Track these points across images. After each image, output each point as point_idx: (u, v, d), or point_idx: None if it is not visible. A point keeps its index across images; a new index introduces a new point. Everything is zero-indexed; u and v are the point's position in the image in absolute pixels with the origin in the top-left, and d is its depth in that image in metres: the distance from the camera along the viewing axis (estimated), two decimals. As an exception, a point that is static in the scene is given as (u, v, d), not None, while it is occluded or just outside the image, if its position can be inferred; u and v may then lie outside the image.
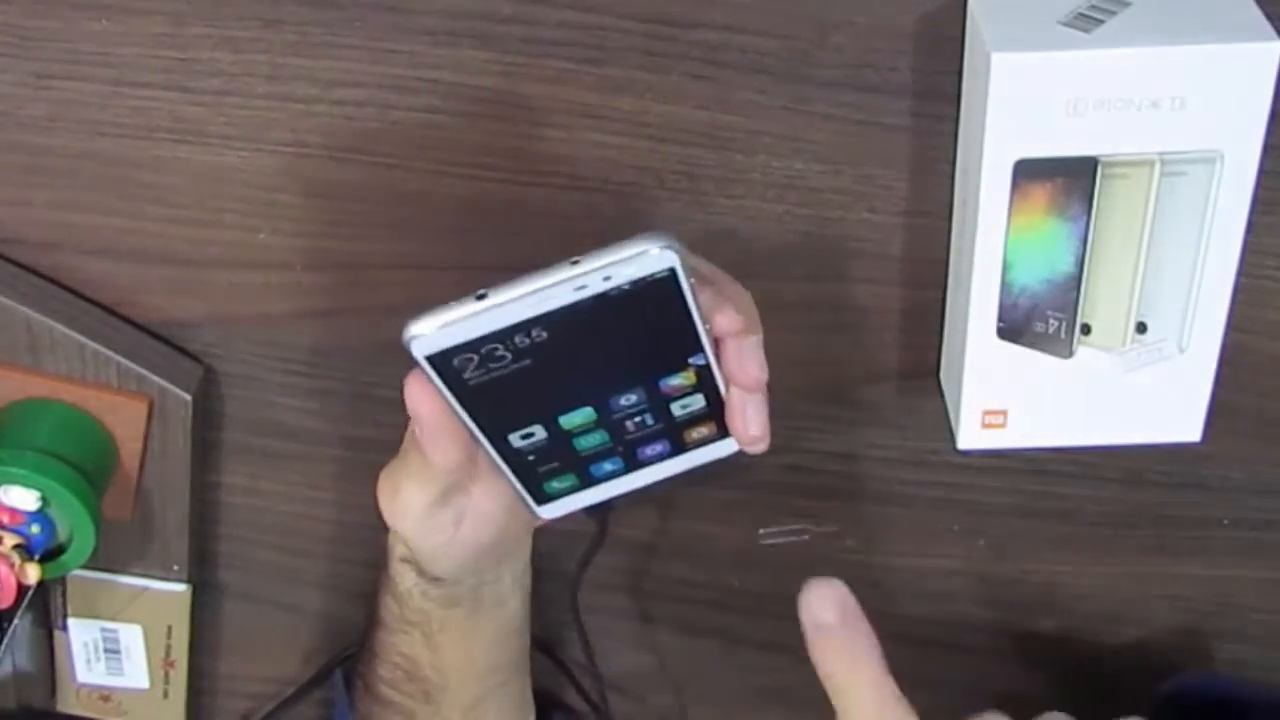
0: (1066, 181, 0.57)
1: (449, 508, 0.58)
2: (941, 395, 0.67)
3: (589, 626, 0.75)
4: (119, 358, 0.68)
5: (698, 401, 0.55)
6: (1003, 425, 0.63)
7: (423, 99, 0.63)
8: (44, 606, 0.78)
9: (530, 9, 0.61)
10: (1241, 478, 0.71)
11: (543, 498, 0.58)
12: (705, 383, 0.54)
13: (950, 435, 0.65)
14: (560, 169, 0.64)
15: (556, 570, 0.71)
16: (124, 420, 0.69)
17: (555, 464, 0.56)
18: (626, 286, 0.49)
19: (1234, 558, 0.74)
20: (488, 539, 0.60)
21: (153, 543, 0.74)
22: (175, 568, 0.75)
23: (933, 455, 0.71)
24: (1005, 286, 0.60)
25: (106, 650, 0.79)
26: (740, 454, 0.57)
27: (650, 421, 0.55)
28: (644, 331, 0.51)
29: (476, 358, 0.50)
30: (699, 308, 0.51)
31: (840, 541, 0.74)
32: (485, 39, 0.61)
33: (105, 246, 0.68)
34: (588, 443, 0.55)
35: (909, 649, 0.76)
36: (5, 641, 0.71)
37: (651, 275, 0.49)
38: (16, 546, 0.66)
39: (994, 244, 0.59)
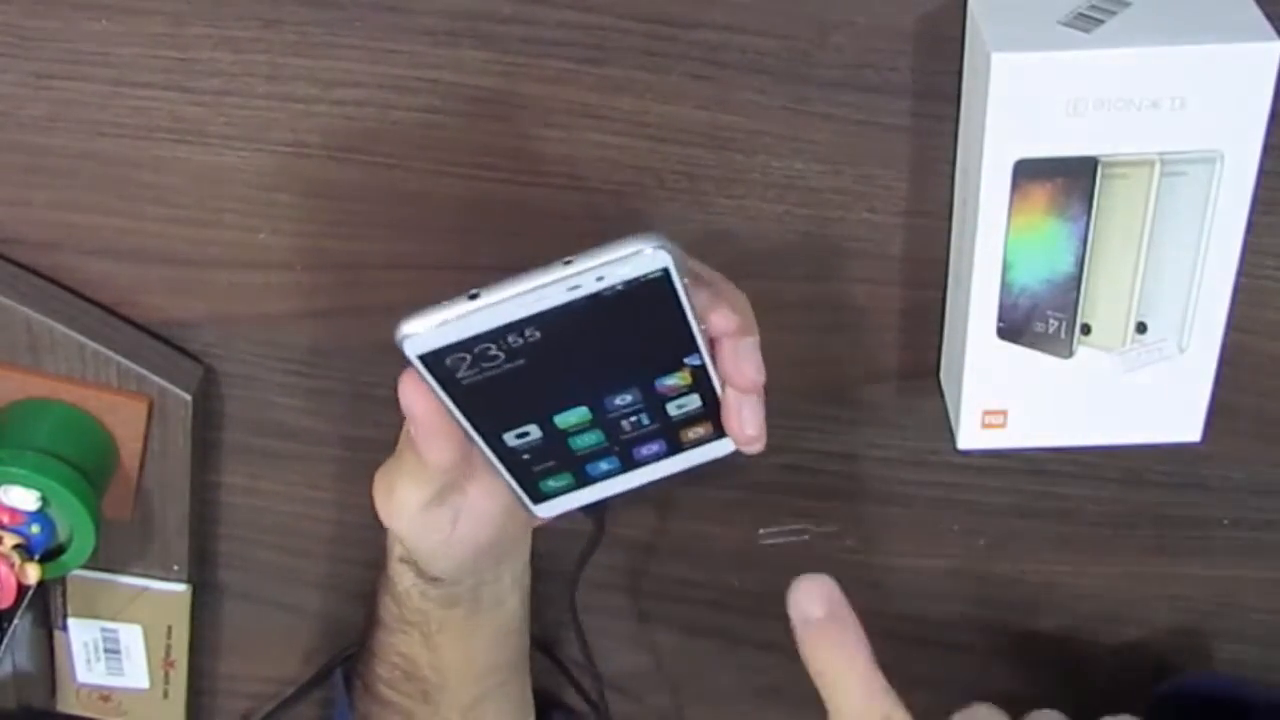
0: (1066, 181, 0.57)
1: (445, 507, 0.58)
2: (941, 395, 0.67)
3: (588, 626, 0.75)
4: (119, 358, 0.68)
5: (693, 401, 0.55)
6: (1003, 425, 0.63)
7: (423, 99, 0.63)
8: (44, 606, 0.78)
9: (530, 9, 0.61)
10: (1241, 478, 0.71)
11: (538, 496, 0.58)
12: (701, 383, 0.54)
13: (950, 435, 0.65)
14: (560, 169, 0.64)
15: (555, 570, 0.71)
16: (124, 420, 0.69)
17: (550, 463, 0.56)
18: (620, 287, 0.48)
19: (1234, 558, 0.73)
20: (485, 538, 0.60)
21: (153, 543, 0.74)
22: (175, 568, 0.75)
23: (933, 455, 0.71)
24: (1005, 286, 0.60)
25: (106, 650, 0.79)
26: (737, 454, 0.57)
27: (646, 421, 0.55)
28: (638, 331, 0.51)
29: (469, 357, 0.50)
30: (694, 308, 0.51)
31: (840, 541, 0.74)
32: (485, 39, 0.61)
33: (105, 246, 0.68)
34: (583, 442, 0.55)
35: (909, 649, 0.77)
36: (5, 641, 0.71)
37: (645, 275, 0.48)
38: (16, 546, 0.66)
39: (994, 244, 0.59)
